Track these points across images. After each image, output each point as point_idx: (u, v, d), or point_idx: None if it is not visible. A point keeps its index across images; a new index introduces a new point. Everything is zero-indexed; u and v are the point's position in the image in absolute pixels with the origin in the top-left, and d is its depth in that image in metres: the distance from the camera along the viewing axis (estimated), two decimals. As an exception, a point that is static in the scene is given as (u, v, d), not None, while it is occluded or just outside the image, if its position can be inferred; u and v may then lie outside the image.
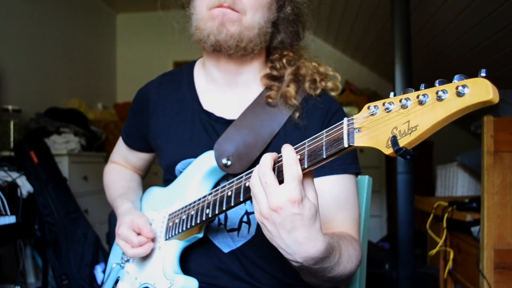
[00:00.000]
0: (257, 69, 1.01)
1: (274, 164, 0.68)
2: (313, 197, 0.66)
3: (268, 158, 0.66)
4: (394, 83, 2.08)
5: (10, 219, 1.87)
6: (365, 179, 1.11)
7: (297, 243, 0.64)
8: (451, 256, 2.12)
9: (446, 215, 2.07)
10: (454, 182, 2.61)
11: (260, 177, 0.65)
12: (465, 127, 3.98)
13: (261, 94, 0.99)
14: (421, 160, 3.88)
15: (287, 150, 0.65)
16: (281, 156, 0.66)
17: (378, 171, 3.86)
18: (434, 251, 2.16)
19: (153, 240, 0.95)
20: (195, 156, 0.97)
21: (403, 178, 2.05)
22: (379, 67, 4.19)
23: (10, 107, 2.57)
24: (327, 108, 0.97)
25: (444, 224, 2.08)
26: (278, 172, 0.67)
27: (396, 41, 2.08)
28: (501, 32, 2.35)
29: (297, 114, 0.94)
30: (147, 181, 1.31)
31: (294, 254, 0.65)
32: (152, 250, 0.97)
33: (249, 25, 0.92)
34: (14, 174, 2.13)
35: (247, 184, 0.72)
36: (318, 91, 0.98)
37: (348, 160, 0.93)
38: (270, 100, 0.96)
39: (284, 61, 1.01)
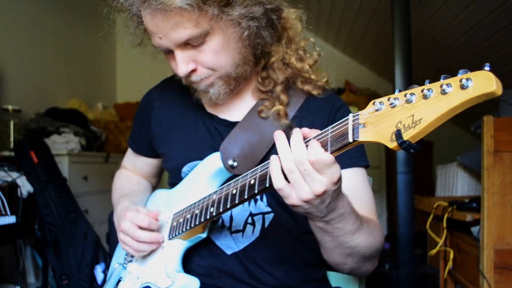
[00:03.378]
0: (250, 79, 1.00)
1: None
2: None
3: (301, 146, 0.66)
4: (394, 83, 2.08)
5: (10, 219, 1.88)
6: (365, 179, 1.10)
7: (331, 208, 0.70)
8: (451, 256, 2.12)
9: (446, 215, 2.07)
10: (454, 182, 2.60)
11: (298, 165, 0.65)
12: (465, 127, 3.97)
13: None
14: (421, 160, 3.87)
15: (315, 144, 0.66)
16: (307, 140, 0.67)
17: (378, 171, 3.85)
18: (434, 251, 2.16)
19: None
20: (200, 159, 0.97)
21: (403, 178, 2.05)
22: (379, 67, 4.19)
23: (10, 107, 2.57)
24: (331, 105, 0.97)
25: (444, 224, 2.08)
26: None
27: (396, 41, 2.07)
28: (501, 32, 2.35)
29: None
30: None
31: (325, 216, 0.71)
32: (155, 250, 0.97)
33: (225, 74, 0.89)
34: (14, 174, 2.13)
35: (251, 182, 0.72)
36: (314, 92, 0.98)
37: (357, 155, 0.95)
38: (262, 115, 0.95)
39: (271, 66, 0.97)
